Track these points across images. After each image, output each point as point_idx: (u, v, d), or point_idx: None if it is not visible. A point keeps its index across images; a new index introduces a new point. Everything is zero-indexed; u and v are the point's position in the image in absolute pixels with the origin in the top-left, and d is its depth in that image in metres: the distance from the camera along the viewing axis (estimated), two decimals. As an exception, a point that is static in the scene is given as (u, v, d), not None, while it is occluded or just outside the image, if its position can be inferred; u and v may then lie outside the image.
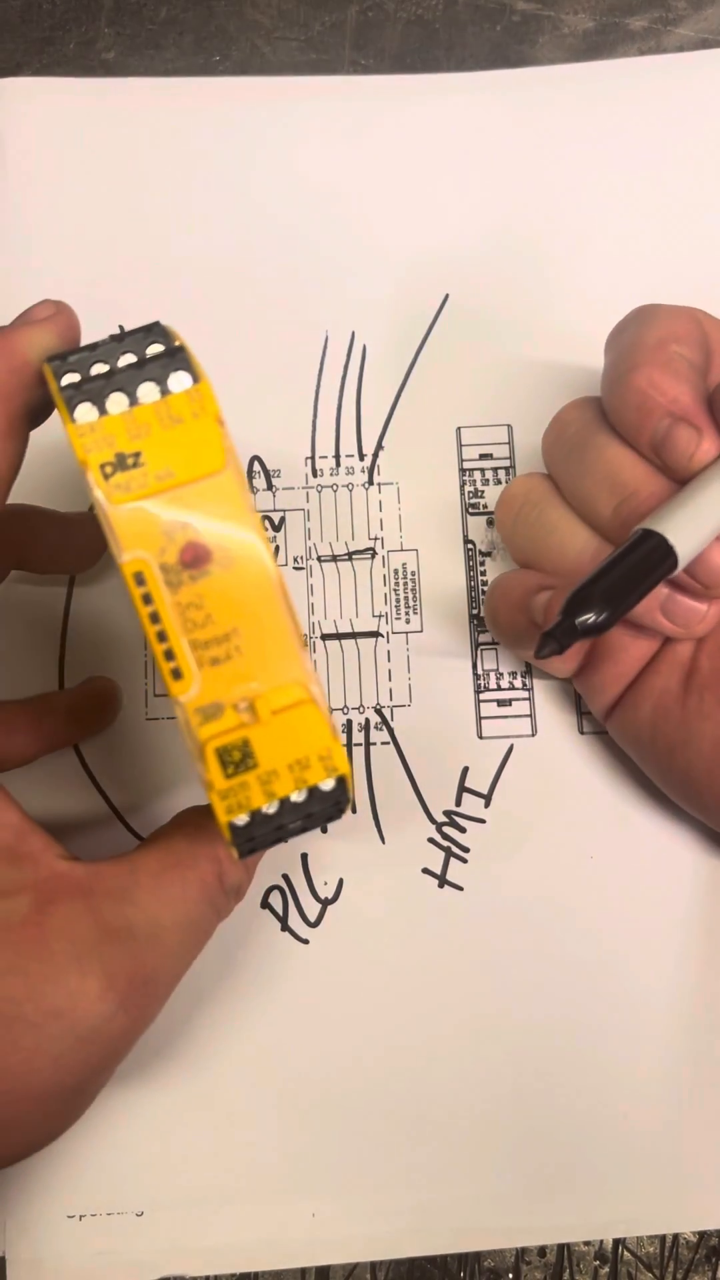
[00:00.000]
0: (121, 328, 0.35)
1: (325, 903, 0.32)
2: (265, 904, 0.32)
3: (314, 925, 0.31)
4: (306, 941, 0.31)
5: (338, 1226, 0.30)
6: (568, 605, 0.25)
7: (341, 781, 0.22)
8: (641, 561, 0.25)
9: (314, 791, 0.22)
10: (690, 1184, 0.30)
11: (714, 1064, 0.31)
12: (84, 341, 0.24)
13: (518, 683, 0.33)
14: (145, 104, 0.37)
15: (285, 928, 0.31)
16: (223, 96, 0.37)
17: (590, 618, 0.24)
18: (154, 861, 0.24)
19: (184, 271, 0.36)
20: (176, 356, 0.21)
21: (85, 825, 0.32)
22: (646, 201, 0.36)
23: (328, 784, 0.22)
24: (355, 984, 0.31)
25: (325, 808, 0.22)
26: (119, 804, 0.32)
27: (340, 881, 0.32)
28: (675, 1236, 0.30)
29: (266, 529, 0.34)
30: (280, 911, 0.32)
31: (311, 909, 0.32)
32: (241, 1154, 0.30)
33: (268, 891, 0.32)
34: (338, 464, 0.35)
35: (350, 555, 0.34)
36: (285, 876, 0.32)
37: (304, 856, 0.32)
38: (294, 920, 0.31)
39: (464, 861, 0.32)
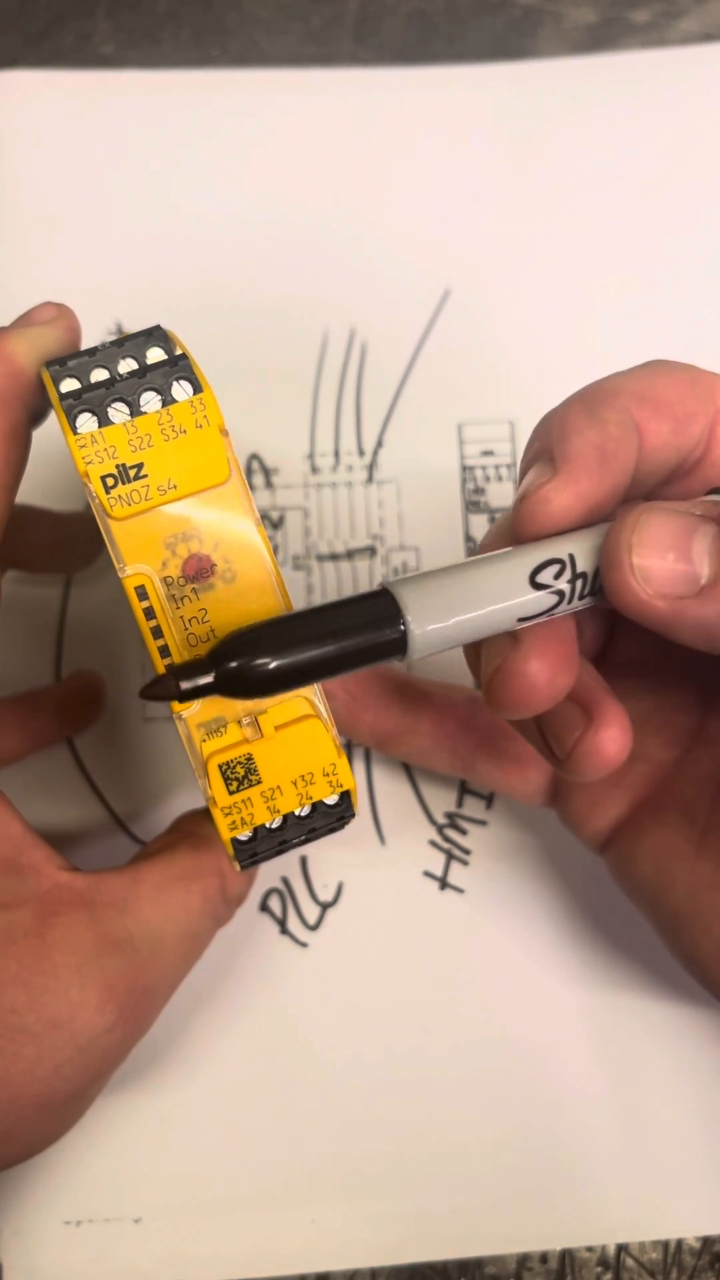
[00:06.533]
0: (120, 327, 0.35)
1: (325, 906, 0.31)
2: (264, 907, 0.31)
3: (313, 929, 0.31)
4: (305, 945, 0.31)
5: (338, 1232, 0.29)
6: (230, 638, 0.19)
7: (346, 796, 0.22)
8: (353, 620, 0.19)
9: (318, 806, 0.22)
10: (694, 1189, 0.30)
11: (718, 1068, 0.30)
12: (82, 342, 0.24)
13: (519, 683, 0.33)
14: (143, 97, 0.37)
15: (284, 931, 0.31)
16: (221, 89, 0.37)
17: (240, 664, 0.18)
18: (156, 873, 0.24)
19: (182, 266, 0.35)
20: (179, 365, 0.21)
21: (83, 829, 0.32)
22: (649, 195, 0.36)
23: (332, 799, 0.21)
24: (355, 988, 0.31)
25: (329, 822, 0.22)
26: (117, 808, 0.32)
27: (340, 885, 0.31)
28: (678, 1242, 0.30)
29: (266, 527, 0.33)
30: (279, 915, 0.31)
31: (311, 912, 0.31)
32: (240, 1159, 0.30)
33: (266, 894, 0.31)
34: (337, 461, 0.34)
35: (350, 554, 0.34)
36: (284, 879, 0.31)
37: (303, 859, 0.32)
38: (293, 923, 0.31)
39: (465, 864, 0.32)
